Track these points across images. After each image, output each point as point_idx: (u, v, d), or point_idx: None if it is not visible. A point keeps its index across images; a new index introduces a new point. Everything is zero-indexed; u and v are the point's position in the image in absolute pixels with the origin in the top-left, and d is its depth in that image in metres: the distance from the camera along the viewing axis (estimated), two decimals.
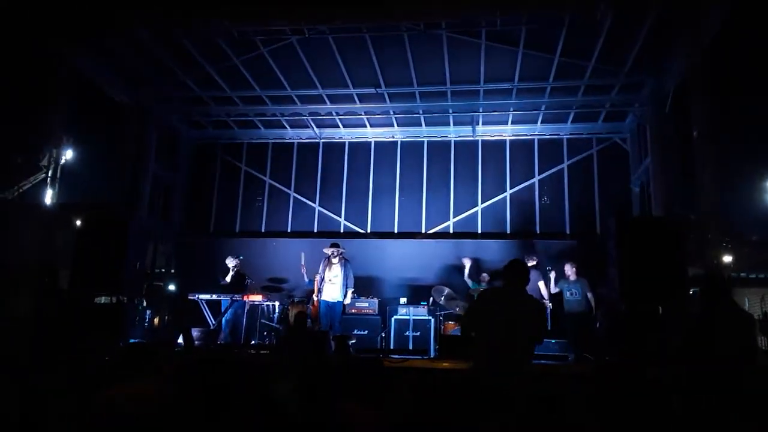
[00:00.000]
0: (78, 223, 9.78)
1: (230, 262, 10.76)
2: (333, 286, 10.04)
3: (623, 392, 4.18)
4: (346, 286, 10.13)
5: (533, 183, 12.85)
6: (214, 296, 10.62)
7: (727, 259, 7.95)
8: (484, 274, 10.79)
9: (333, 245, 10.38)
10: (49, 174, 9.02)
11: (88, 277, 9.07)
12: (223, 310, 10.35)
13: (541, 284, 10.02)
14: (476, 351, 4.60)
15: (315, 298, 10.36)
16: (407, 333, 10.03)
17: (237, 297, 10.49)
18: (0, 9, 8.21)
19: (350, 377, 4.11)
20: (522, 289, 4.71)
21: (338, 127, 13.29)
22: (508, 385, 4.29)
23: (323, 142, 13.70)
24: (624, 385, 4.23)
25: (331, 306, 9.98)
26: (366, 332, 10.22)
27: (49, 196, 8.87)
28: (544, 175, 12.86)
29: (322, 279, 10.21)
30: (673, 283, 7.77)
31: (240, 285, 10.67)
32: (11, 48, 9.27)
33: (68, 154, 9.21)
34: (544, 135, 12.96)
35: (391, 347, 9.87)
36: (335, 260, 10.18)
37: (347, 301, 10.12)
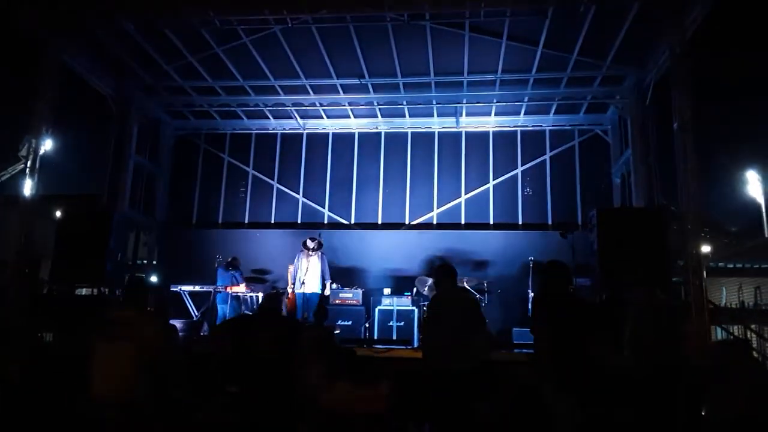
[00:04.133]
0: (58, 214, 9.68)
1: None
2: (313, 279, 10.23)
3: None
4: (324, 278, 10.39)
5: (516, 174, 12.92)
6: (197, 287, 10.64)
7: (707, 249, 8.08)
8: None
9: (314, 239, 10.47)
10: (28, 165, 8.86)
11: (69, 269, 9.00)
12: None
13: None
14: (429, 350, 5.03)
15: (290, 291, 10.36)
16: (391, 323, 10.07)
17: (219, 288, 10.53)
18: None
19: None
20: (454, 287, 5.26)
21: (322, 117, 13.24)
22: (467, 373, 4.53)
23: (307, 133, 13.64)
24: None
25: (308, 297, 10.09)
26: (350, 323, 10.28)
27: (28, 187, 8.72)
28: (526, 166, 12.94)
29: (297, 271, 10.28)
30: (653, 273, 7.90)
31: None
32: None
33: (48, 145, 9.05)
34: (527, 126, 13.03)
35: (375, 337, 9.92)
36: (313, 253, 10.30)
37: (327, 291, 10.28)
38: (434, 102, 12.22)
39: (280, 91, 12.03)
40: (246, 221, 13.41)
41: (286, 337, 5.63)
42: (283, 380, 4.97)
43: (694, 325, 4.73)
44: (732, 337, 10.14)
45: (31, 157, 8.83)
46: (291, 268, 10.53)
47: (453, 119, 12.88)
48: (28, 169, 8.81)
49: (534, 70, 10.77)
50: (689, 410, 4.38)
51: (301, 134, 13.65)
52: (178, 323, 9.32)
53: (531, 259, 10.38)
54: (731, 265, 16.40)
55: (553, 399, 4.46)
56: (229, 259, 11.11)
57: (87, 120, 12.56)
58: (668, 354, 4.67)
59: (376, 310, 10.24)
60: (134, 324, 4.64)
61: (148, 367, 4.54)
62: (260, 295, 10.64)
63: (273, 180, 13.54)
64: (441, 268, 5.46)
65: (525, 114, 12.71)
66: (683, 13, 8.01)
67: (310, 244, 10.43)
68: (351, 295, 10.69)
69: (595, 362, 4.42)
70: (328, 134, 13.63)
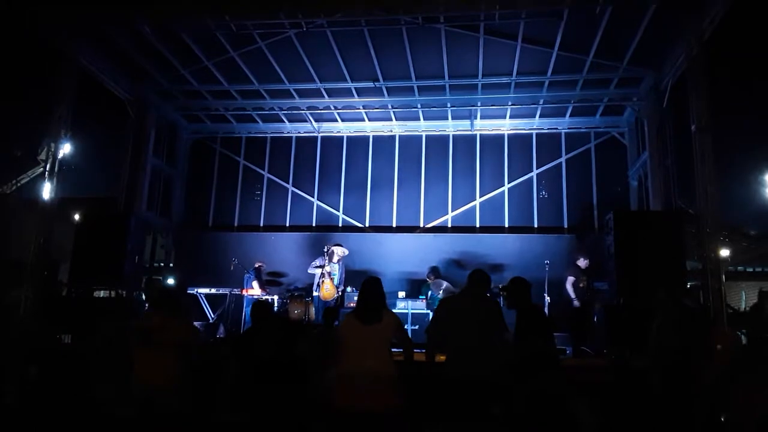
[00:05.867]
0: (77, 217, 9.80)
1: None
2: (333, 285, 10.37)
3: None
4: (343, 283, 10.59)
5: (531, 177, 12.86)
6: (213, 290, 10.70)
7: (725, 252, 7.97)
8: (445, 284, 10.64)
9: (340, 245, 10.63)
10: (47, 168, 8.98)
11: (87, 271, 9.11)
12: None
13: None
14: (450, 352, 4.86)
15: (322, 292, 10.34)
16: (405, 326, 10.02)
17: (235, 291, 10.60)
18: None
19: None
20: (483, 293, 5.04)
21: (336, 121, 13.28)
22: (489, 378, 4.46)
23: (321, 136, 13.69)
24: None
25: (326, 302, 10.15)
26: None
27: (47, 190, 8.83)
28: (542, 169, 12.87)
29: (322, 277, 10.32)
30: (670, 276, 7.82)
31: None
32: (11, 43, 9.25)
33: (66, 148, 9.17)
34: (542, 129, 12.97)
35: None
36: (336, 259, 10.39)
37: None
38: (449, 105, 12.20)
39: (295, 95, 12.09)
40: (261, 224, 13.47)
41: (291, 340, 5.69)
42: (294, 382, 4.99)
43: (720, 328, 4.66)
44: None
45: (50, 160, 8.96)
46: (318, 271, 10.53)
47: (467, 122, 12.85)
48: (47, 173, 8.93)
49: (549, 73, 10.71)
50: (708, 413, 4.33)
51: (316, 137, 13.70)
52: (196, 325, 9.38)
53: (547, 263, 10.29)
54: (751, 269, 16.19)
55: (576, 405, 4.45)
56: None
57: (105, 124, 12.70)
58: (689, 358, 4.62)
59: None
60: (171, 329, 4.79)
61: (188, 368, 4.72)
62: (276, 298, 10.68)
63: (288, 183, 13.60)
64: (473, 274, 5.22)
65: (540, 116, 12.65)
66: (701, 13, 7.93)
67: (340, 251, 10.56)
68: None
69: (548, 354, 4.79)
70: (342, 137, 13.66)
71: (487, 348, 4.63)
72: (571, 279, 9.56)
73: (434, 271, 11.01)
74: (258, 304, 5.92)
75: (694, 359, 4.73)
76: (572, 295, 9.46)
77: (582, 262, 9.65)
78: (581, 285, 9.47)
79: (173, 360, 4.77)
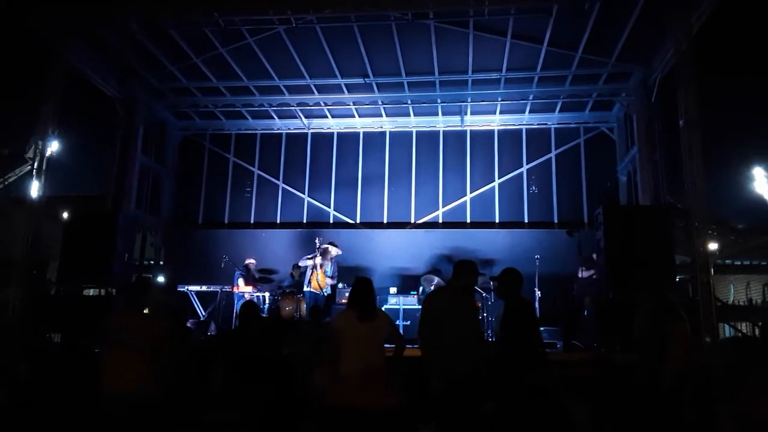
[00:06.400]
0: (65, 215, 9.73)
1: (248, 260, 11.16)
2: (324, 275, 10.35)
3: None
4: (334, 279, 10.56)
5: (521, 172, 12.90)
6: (204, 287, 10.67)
7: (713, 246, 8.02)
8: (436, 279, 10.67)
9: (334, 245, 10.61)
10: (35, 166, 8.91)
11: (76, 270, 9.04)
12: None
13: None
14: (430, 350, 4.77)
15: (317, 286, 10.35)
16: (397, 322, 10.04)
17: (226, 288, 10.56)
18: None
19: None
20: (464, 284, 4.92)
21: (326, 117, 13.24)
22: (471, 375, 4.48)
23: (312, 133, 13.66)
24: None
25: (317, 296, 10.14)
26: None
27: (35, 189, 8.76)
28: (532, 164, 12.91)
29: (313, 269, 10.31)
30: (659, 270, 7.87)
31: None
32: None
33: (54, 146, 9.09)
34: (532, 124, 13.01)
35: None
36: (330, 257, 10.45)
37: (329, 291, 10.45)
38: (439, 101, 12.21)
39: (285, 91, 12.05)
40: (252, 221, 13.44)
41: (281, 337, 5.70)
42: (284, 380, 5.00)
43: (680, 325, 4.61)
44: (740, 334, 10.09)
45: (37, 158, 8.88)
46: (309, 262, 10.51)
47: (458, 118, 12.86)
48: (34, 171, 8.86)
49: (539, 68, 10.75)
50: (698, 410, 4.35)
51: (306, 134, 13.66)
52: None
53: (537, 257, 10.33)
54: (739, 263, 16.35)
55: (571, 402, 4.47)
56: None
57: (93, 121, 12.61)
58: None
59: (383, 309, 10.21)
60: (138, 326, 4.70)
61: (157, 366, 4.61)
62: (267, 295, 10.66)
63: (278, 180, 13.56)
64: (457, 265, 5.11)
65: (530, 112, 12.69)
66: (689, 8, 7.98)
67: (334, 251, 10.56)
68: None
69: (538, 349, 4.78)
70: (332, 134, 13.64)
71: (467, 344, 4.62)
72: (581, 269, 9.83)
73: (434, 272, 11.02)
74: (245, 305, 5.91)
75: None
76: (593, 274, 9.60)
77: None
78: (594, 277, 9.57)
79: (140, 359, 4.59)
